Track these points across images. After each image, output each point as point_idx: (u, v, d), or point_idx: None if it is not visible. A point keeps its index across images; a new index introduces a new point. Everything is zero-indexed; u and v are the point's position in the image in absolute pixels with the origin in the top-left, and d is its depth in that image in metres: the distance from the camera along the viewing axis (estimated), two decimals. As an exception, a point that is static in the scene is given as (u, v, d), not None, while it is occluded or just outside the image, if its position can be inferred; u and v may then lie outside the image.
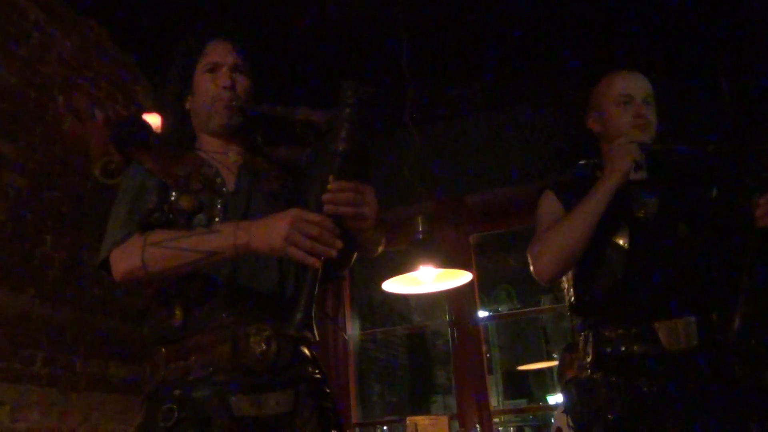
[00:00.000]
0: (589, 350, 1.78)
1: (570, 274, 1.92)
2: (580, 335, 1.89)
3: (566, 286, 1.96)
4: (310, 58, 3.48)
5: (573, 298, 1.92)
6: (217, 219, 1.50)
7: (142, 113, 3.39)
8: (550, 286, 2.02)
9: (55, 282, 2.91)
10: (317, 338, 1.41)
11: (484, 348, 4.00)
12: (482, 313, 4.42)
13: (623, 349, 1.72)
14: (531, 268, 1.86)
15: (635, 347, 1.71)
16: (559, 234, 1.77)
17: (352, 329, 4.20)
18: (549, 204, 1.93)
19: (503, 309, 7.43)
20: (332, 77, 2.85)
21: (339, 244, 1.33)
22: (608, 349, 1.75)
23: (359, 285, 5.08)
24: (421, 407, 7.28)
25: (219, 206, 1.52)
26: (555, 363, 6.64)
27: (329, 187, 1.35)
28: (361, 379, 5.67)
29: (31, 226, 2.84)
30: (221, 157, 1.63)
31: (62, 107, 3.10)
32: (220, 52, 1.65)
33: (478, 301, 4.00)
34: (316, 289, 1.32)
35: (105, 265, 1.49)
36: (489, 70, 3.71)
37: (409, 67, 2.82)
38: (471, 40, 3.49)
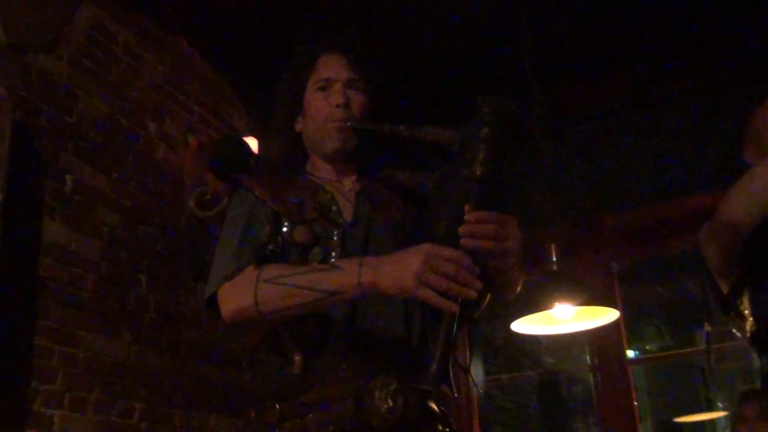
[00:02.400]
0: None
1: (749, 294, 1.78)
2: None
3: (746, 311, 1.81)
4: (428, 68, 3.49)
5: (754, 326, 1.78)
6: (334, 253, 1.50)
7: (238, 137, 3.50)
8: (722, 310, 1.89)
9: (151, 326, 3.02)
10: (455, 393, 1.37)
11: (634, 394, 3.84)
12: (629, 353, 4.24)
13: None
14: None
15: None
16: (761, 173, 1.66)
17: (475, 374, 4.13)
18: None
19: (652, 348, 7.10)
20: (454, 89, 2.86)
21: (479, 284, 1.29)
22: None
23: (481, 322, 4.99)
24: (556, 464, 7.07)
25: (336, 238, 1.52)
26: (718, 414, 6.28)
27: (466, 218, 1.31)
28: (486, 432, 5.56)
29: (126, 265, 2.97)
30: (336, 183, 1.64)
31: (154, 135, 3.24)
32: (332, 67, 1.66)
33: (624, 340, 3.84)
34: (454, 336, 1.29)
35: (212, 303, 1.50)
36: (633, 65, 3.58)
37: (534, 66, 2.75)
38: (609, 31, 3.38)
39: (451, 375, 1.35)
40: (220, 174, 3.41)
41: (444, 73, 3.57)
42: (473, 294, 1.28)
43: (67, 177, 2.77)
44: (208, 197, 3.35)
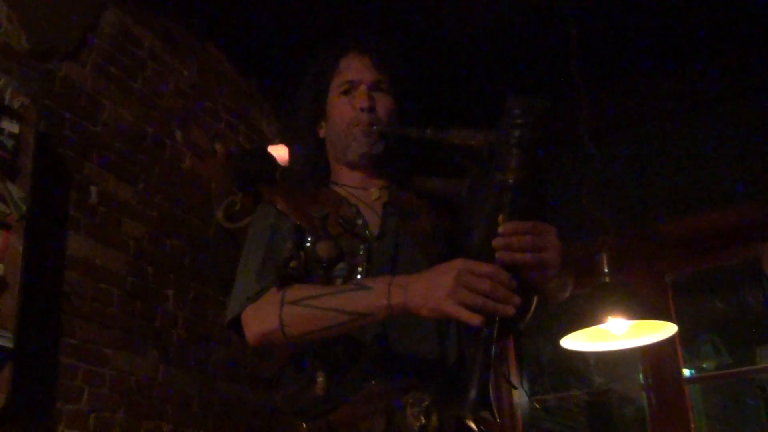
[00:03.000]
0: None
1: None
2: None
3: None
4: (461, 67, 3.46)
5: None
6: (360, 269, 1.50)
7: (266, 145, 3.51)
8: None
9: (179, 344, 3.03)
10: (497, 418, 1.35)
11: (690, 416, 3.77)
12: (684, 372, 4.17)
13: None
14: None
15: None
16: None
17: (520, 394, 4.08)
18: None
19: (709, 366, 6.96)
20: (490, 88, 2.84)
21: (517, 300, 1.27)
22: None
23: (525, 337, 4.95)
24: (608, 490, 6.96)
25: (362, 253, 1.52)
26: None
27: (500, 229, 1.29)
28: (532, 456, 5.49)
29: (153, 280, 2.98)
30: (361, 193, 1.64)
31: (181, 143, 3.26)
32: (356, 69, 1.66)
33: (680, 357, 3.78)
34: (493, 356, 1.27)
35: (234, 324, 1.51)
36: (688, 64, 3.54)
37: (581, 66, 2.72)
38: (662, 27, 3.33)
39: (491, 400, 1.34)
40: (243, 187, 3.44)
41: (480, 73, 3.54)
42: (511, 310, 1.26)
43: (92, 188, 2.79)
44: (237, 208, 3.38)
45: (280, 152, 3.33)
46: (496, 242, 1.29)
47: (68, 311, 2.60)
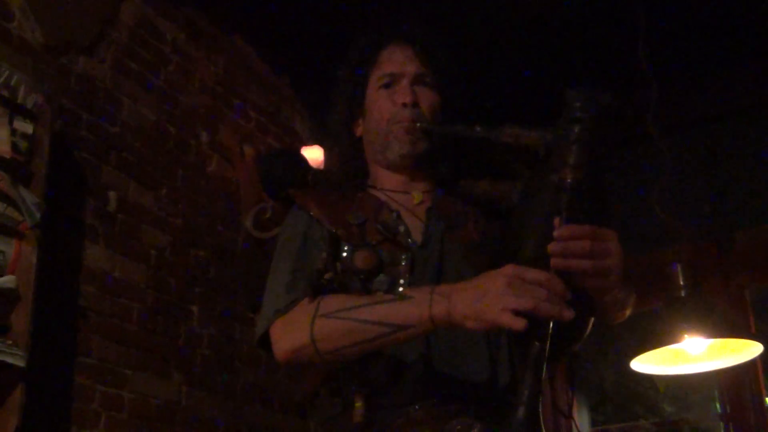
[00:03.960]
0: None
1: None
2: None
3: None
4: (515, 57, 3.43)
5: None
6: (402, 280, 1.49)
7: (299, 147, 3.51)
8: None
9: (204, 364, 3.04)
10: None
11: (775, 452, 3.69)
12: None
13: None
14: None
15: None
16: None
17: (580, 423, 4.04)
18: None
19: (794, 393, 6.84)
20: (548, 81, 2.81)
21: (571, 313, 1.24)
22: None
23: (586, 360, 4.91)
24: None
25: (404, 263, 1.51)
26: None
27: (556, 233, 1.27)
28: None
29: (176, 294, 3.00)
30: (402, 197, 1.63)
31: (207, 145, 3.28)
32: (397, 61, 1.66)
33: (762, 383, 3.70)
34: (544, 374, 1.25)
35: (264, 341, 1.51)
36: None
37: (650, 57, 2.68)
38: (741, 12, 3.27)
39: (541, 421, 1.31)
40: (272, 192, 3.42)
41: (537, 64, 3.50)
42: (567, 314, 1.23)
43: (111, 194, 2.82)
44: (268, 216, 3.37)
45: (314, 154, 3.33)
46: (552, 247, 1.27)
47: (84, 328, 2.63)
